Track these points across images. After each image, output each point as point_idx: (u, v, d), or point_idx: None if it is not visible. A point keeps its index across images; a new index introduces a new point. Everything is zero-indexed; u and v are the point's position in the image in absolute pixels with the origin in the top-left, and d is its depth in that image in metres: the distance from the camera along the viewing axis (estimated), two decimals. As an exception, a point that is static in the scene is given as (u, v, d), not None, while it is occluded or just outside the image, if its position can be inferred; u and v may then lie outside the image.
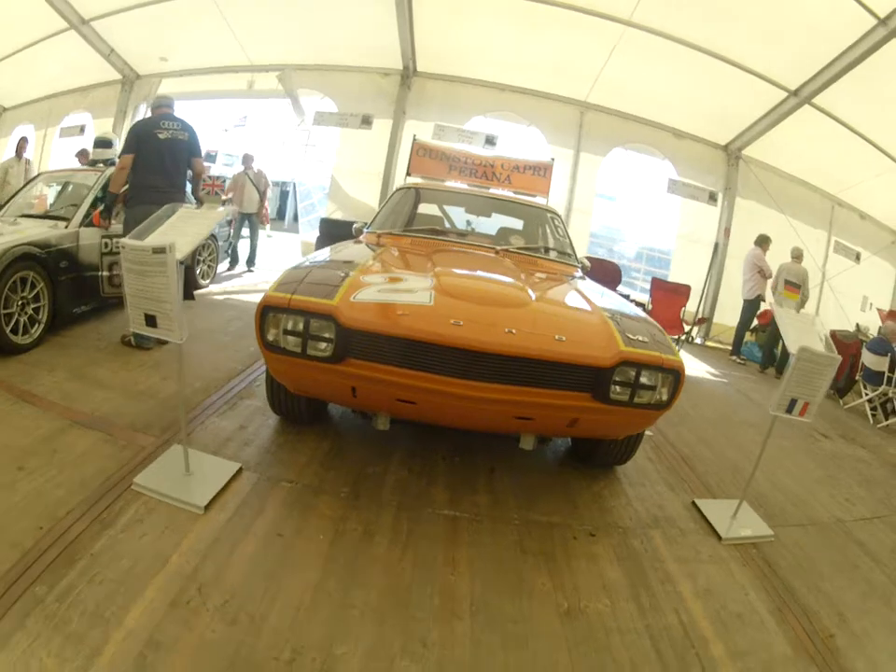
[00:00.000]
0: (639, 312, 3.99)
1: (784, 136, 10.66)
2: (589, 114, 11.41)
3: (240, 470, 3.44)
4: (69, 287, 5.55)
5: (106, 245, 6.03)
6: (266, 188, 10.68)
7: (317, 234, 9.90)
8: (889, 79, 8.48)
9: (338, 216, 10.89)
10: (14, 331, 4.88)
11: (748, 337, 10.79)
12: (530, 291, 3.59)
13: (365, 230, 5.36)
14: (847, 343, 9.21)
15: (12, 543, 2.61)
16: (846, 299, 12.37)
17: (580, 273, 5.03)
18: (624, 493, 4.03)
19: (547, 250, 5.37)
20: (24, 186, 7.38)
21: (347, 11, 9.51)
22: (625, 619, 2.75)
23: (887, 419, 7.84)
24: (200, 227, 3.11)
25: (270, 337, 3.17)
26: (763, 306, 10.45)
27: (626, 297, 5.81)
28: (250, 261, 10.72)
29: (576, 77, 10.62)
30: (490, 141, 11.09)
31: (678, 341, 8.33)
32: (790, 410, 3.54)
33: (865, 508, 4.66)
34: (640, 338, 3.28)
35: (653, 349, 3.21)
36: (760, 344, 10.70)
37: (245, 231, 10.59)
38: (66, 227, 5.74)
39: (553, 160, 10.32)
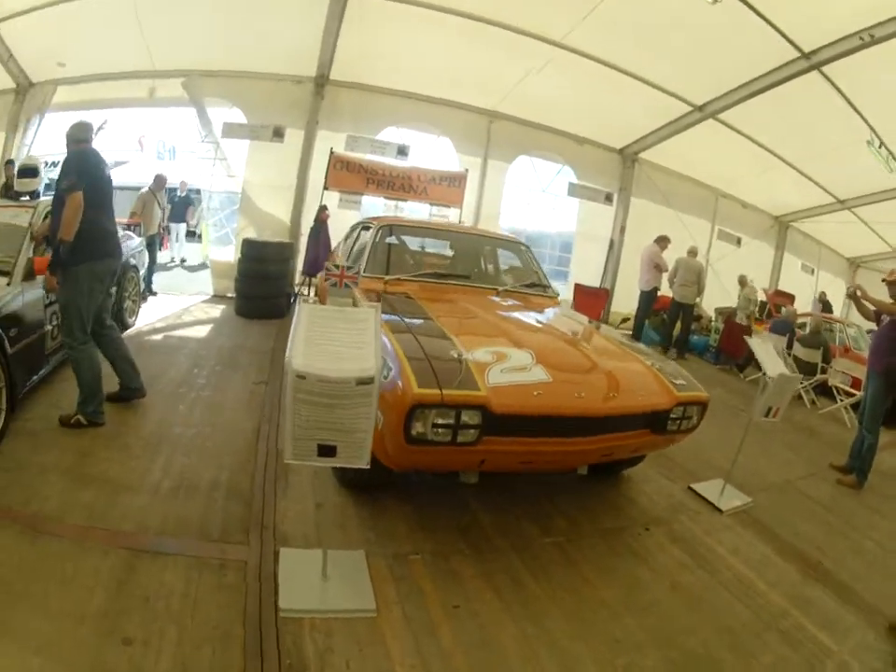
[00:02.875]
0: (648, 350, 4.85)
1: (679, 142, 11.31)
2: (497, 123, 11.56)
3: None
4: (22, 358, 4.73)
5: (46, 295, 5.19)
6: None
7: (237, 256, 9.82)
8: (797, 104, 9.22)
9: (250, 232, 10.53)
10: None
11: (643, 323, 11.62)
12: (594, 356, 4.12)
13: (360, 276, 5.21)
14: (743, 326, 11.00)
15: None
16: (727, 279, 13.54)
17: (560, 301, 6.00)
18: (643, 491, 4.97)
19: (534, 285, 5.92)
20: None
21: (265, 14, 8.98)
22: (705, 582, 3.77)
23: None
24: (365, 334, 2.82)
25: (415, 432, 3.18)
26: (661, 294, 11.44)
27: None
28: (148, 286, 10.07)
29: (486, 87, 10.68)
30: (402, 152, 11.06)
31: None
32: (766, 415, 4.91)
33: (801, 468, 6.26)
34: (680, 381, 4.09)
35: (692, 389, 4.10)
36: (655, 328, 11.70)
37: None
38: (9, 283, 4.86)
39: (466, 170, 10.67)
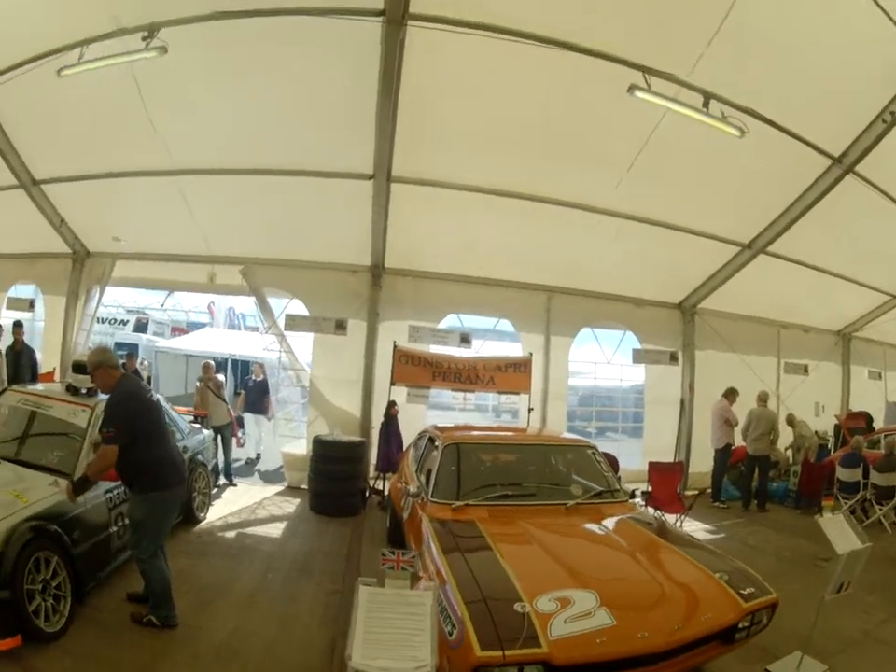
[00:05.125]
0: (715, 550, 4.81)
1: (735, 284, 11.04)
2: (556, 297, 11.22)
3: None
4: (86, 558, 4.89)
5: (111, 499, 5.45)
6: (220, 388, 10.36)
7: (309, 452, 9.58)
8: (839, 214, 8.95)
9: (321, 425, 10.21)
10: (36, 614, 4.23)
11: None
12: (660, 579, 4.05)
13: (428, 498, 5.33)
14: (821, 465, 10.69)
15: None
16: (801, 409, 12.80)
17: (633, 503, 5.77)
18: None
19: (602, 493, 5.68)
20: None
21: (315, 208, 9.15)
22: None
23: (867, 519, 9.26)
24: (422, 620, 2.80)
25: None
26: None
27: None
28: (228, 476, 10.14)
29: (539, 263, 10.50)
30: (465, 339, 10.85)
31: (679, 518, 8.38)
32: (839, 591, 4.67)
33: (881, 611, 5.89)
34: (749, 589, 3.97)
35: (761, 595, 3.97)
36: (734, 481, 11.17)
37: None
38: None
39: (531, 354, 10.50)
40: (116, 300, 20.76)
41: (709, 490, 10.83)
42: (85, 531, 4.97)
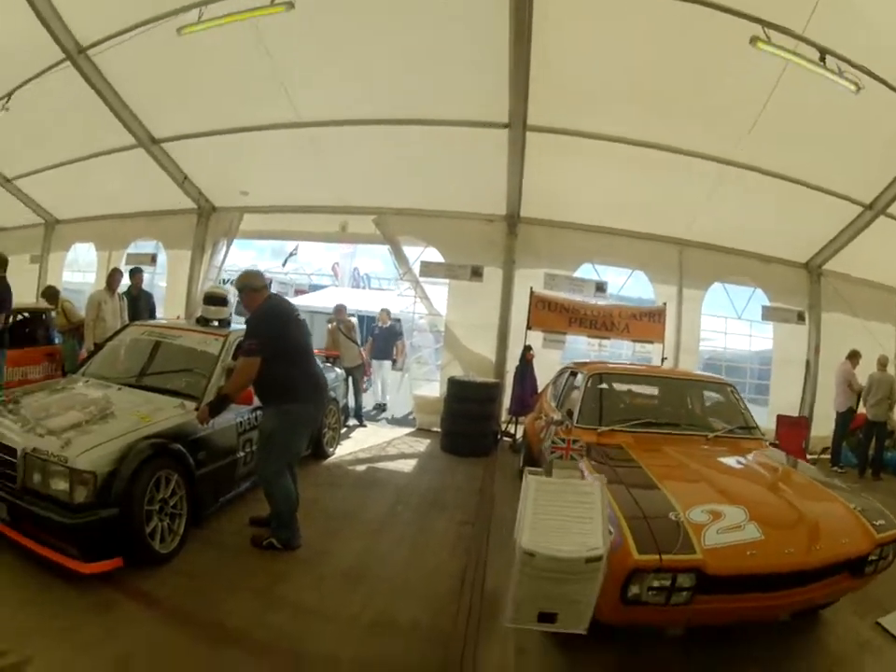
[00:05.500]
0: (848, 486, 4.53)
1: (859, 246, 10.21)
2: (687, 251, 10.59)
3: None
4: (209, 480, 4.71)
5: (241, 423, 5.23)
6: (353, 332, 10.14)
7: (442, 394, 9.48)
8: None
9: (455, 368, 10.01)
10: (151, 535, 4.05)
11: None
12: (799, 503, 3.83)
13: (573, 425, 5.14)
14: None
15: None
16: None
17: (765, 443, 5.45)
18: (833, 631, 4.25)
19: (740, 428, 5.46)
20: (116, 334, 6.37)
21: (450, 156, 8.79)
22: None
23: None
24: (591, 508, 2.77)
25: (631, 594, 3.09)
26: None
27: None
28: (358, 416, 9.93)
29: (671, 215, 9.95)
30: (601, 289, 10.42)
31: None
32: None
33: None
34: (880, 521, 3.72)
35: (890, 528, 3.70)
36: (852, 448, 10.41)
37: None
38: (197, 408, 4.68)
39: (664, 304, 9.91)
40: (235, 263, 21.57)
41: (828, 454, 10.24)
42: (211, 453, 4.77)
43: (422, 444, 9.18)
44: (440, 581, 4.42)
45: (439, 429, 9.32)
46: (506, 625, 2.86)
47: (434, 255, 10.48)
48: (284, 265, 26.44)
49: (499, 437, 9.39)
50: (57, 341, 8.72)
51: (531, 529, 2.64)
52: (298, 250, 26.45)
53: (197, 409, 4.65)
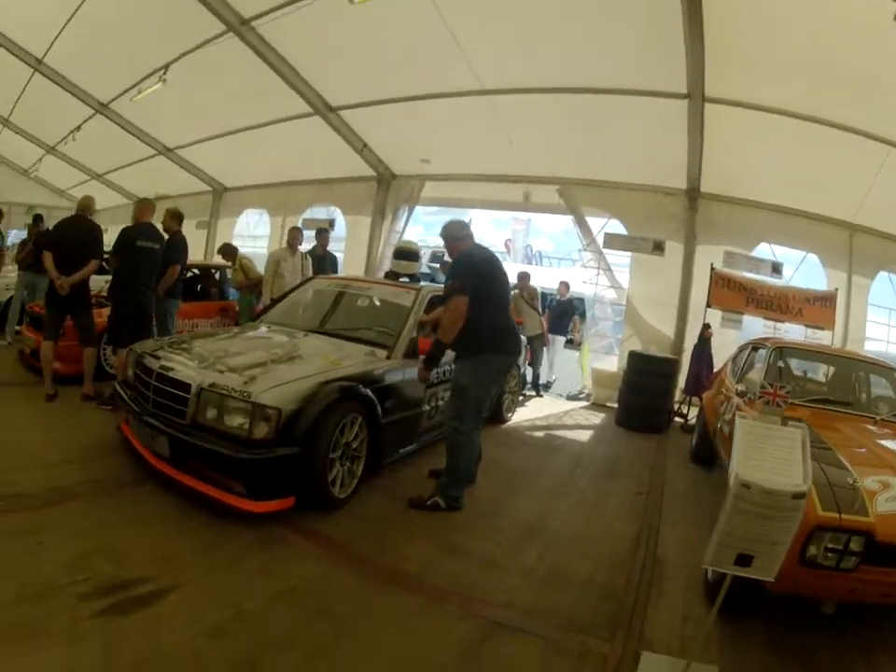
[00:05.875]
0: None
1: None
2: (857, 236, 9.70)
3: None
4: (392, 429, 4.66)
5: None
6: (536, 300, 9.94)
7: (621, 366, 9.42)
8: None
9: (635, 343, 9.88)
10: (332, 483, 4.05)
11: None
12: None
13: (756, 394, 4.91)
14: None
15: None
16: None
17: None
18: None
19: None
20: (298, 286, 6.47)
21: (632, 129, 8.50)
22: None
23: None
24: (793, 452, 2.75)
25: (808, 554, 3.11)
26: None
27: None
28: (536, 387, 9.95)
29: (843, 197, 9.09)
30: (776, 269, 9.84)
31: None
32: None
33: None
34: None
35: None
36: None
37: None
38: (388, 357, 4.76)
39: (836, 290, 9.30)
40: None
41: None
42: (398, 402, 4.71)
43: (597, 417, 9.13)
44: (614, 543, 4.42)
45: (614, 405, 9.24)
46: (703, 567, 3.01)
47: (618, 227, 10.24)
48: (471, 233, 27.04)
49: (671, 416, 9.15)
50: (233, 297, 9.07)
51: (745, 465, 2.70)
52: (471, 223, 26.71)
53: (388, 357, 4.71)
